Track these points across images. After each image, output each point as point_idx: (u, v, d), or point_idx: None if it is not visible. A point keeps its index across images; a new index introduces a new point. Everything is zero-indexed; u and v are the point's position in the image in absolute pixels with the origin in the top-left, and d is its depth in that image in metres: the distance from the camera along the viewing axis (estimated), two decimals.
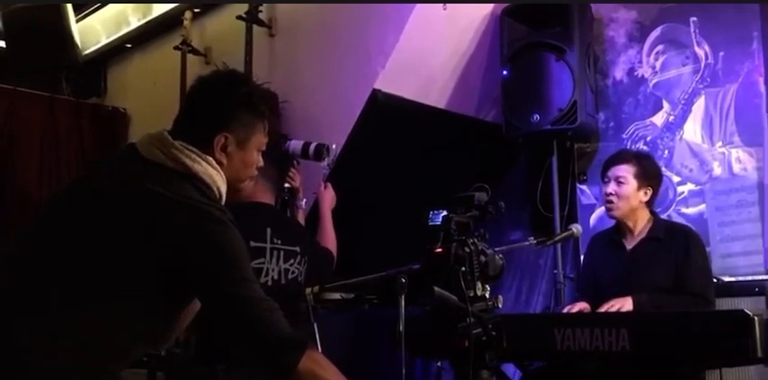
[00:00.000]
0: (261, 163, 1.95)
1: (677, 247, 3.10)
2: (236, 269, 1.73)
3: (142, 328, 1.76)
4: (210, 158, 1.81)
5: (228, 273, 1.72)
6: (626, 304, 2.91)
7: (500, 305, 1.82)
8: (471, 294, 1.72)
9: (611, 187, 3.18)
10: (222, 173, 1.84)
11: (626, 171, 3.17)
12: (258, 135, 1.90)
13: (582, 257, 3.97)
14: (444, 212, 1.82)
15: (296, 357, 1.70)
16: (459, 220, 1.80)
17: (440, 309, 1.70)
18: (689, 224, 3.54)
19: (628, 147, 4.02)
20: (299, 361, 1.69)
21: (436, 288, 1.63)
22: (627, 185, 3.16)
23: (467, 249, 1.74)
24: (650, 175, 3.22)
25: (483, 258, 1.77)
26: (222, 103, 1.86)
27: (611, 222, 3.40)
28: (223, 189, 1.84)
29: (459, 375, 1.70)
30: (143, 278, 1.70)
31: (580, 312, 3.03)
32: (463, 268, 1.71)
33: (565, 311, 3.14)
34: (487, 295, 1.78)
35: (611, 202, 3.18)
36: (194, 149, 1.80)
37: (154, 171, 1.76)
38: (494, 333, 1.73)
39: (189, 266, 1.70)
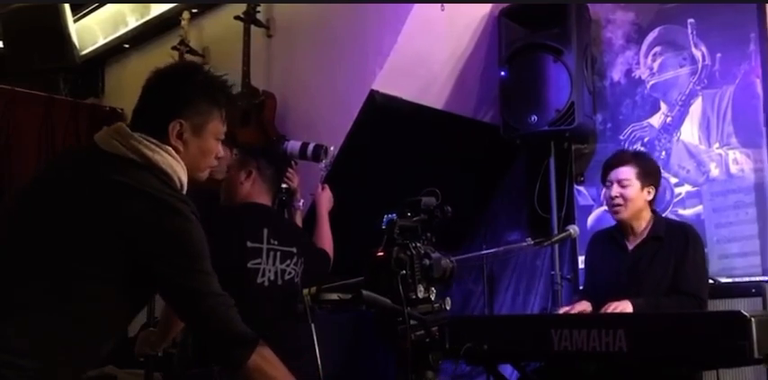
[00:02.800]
0: (221, 153, 1.94)
1: (677, 245, 3.09)
2: (193, 262, 1.73)
3: (109, 322, 1.75)
4: (169, 148, 1.81)
5: (185, 265, 1.72)
6: (626, 308, 2.90)
7: (447, 307, 1.83)
8: (413, 297, 1.74)
9: (616, 190, 3.14)
10: (182, 162, 1.83)
11: (628, 173, 3.15)
12: (215, 123, 1.88)
13: (579, 259, 3.98)
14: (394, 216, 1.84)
15: (245, 353, 1.73)
16: (404, 223, 1.81)
17: (379, 312, 1.71)
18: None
19: (625, 148, 4.01)
20: (249, 357, 1.73)
21: (364, 291, 1.64)
22: (631, 187, 3.13)
23: (408, 253, 1.75)
24: (651, 174, 3.21)
25: (426, 262, 1.78)
26: (176, 90, 1.86)
27: (608, 224, 3.40)
28: (184, 179, 1.83)
29: (402, 376, 1.72)
30: (109, 269, 1.69)
31: (577, 313, 3.03)
32: (404, 272, 1.72)
33: (564, 310, 3.14)
34: (433, 297, 1.79)
35: (617, 205, 3.15)
36: (153, 140, 1.79)
37: (114, 162, 1.76)
38: (437, 335, 1.75)
39: (149, 257, 1.70)
